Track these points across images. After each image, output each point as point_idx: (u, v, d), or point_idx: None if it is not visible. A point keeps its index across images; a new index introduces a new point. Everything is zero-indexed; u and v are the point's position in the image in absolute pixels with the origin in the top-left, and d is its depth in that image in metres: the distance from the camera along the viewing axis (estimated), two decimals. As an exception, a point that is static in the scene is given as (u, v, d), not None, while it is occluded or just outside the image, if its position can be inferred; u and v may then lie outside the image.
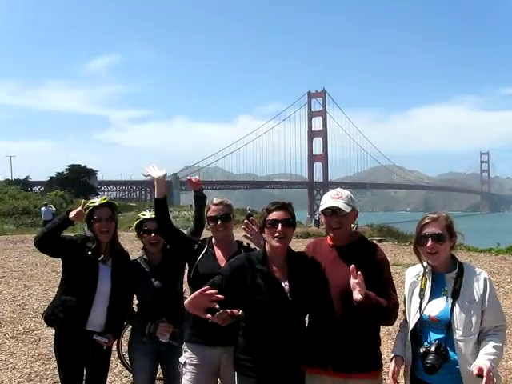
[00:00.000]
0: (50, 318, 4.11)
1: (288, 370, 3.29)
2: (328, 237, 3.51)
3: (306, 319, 3.50)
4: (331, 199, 3.38)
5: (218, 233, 3.81)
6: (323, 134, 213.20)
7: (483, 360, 2.94)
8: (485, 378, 2.84)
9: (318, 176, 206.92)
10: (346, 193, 3.43)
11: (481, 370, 2.87)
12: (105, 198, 4.16)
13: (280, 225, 3.29)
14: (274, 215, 3.33)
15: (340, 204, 3.33)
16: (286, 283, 3.30)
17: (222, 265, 3.68)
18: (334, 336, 3.25)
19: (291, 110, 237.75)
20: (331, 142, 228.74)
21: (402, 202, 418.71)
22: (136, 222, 4.25)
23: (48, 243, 3.96)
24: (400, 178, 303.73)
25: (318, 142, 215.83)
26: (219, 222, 3.77)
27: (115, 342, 4.71)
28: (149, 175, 3.87)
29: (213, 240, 3.88)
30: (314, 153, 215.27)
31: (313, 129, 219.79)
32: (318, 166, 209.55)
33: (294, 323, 3.31)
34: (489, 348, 3.00)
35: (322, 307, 3.30)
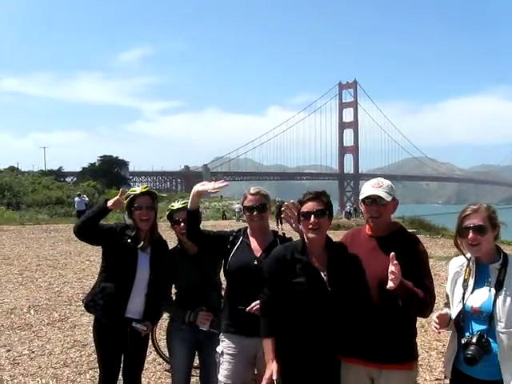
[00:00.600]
0: (89, 304, 4.16)
1: (325, 360, 3.29)
2: (367, 226, 3.47)
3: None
4: (372, 188, 3.33)
5: (253, 223, 3.79)
6: (354, 125, 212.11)
7: None
8: None
9: (348, 168, 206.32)
10: (387, 182, 3.38)
11: None
12: (145, 187, 4.19)
13: (313, 216, 3.27)
14: (306, 207, 3.31)
15: (381, 193, 3.28)
16: (325, 273, 3.29)
17: (258, 255, 3.69)
18: (371, 326, 3.23)
19: (322, 101, 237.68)
20: (362, 134, 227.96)
21: (434, 194, 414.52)
22: (167, 213, 4.30)
23: (87, 231, 4.01)
24: (432, 170, 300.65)
25: (348, 134, 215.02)
26: (255, 213, 3.74)
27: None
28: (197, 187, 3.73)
29: (248, 230, 3.86)
30: (344, 144, 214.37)
31: (343, 120, 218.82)
32: (348, 158, 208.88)
33: (332, 313, 3.29)
34: None
35: (360, 297, 3.28)
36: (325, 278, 3.27)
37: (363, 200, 3.35)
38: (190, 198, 3.72)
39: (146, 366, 5.87)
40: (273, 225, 29.85)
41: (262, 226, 3.82)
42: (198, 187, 3.69)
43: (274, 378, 3.19)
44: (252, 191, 3.80)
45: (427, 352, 6.44)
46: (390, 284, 3.00)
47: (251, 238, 3.80)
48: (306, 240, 3.36)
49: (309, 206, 3.31)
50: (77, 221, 4.22)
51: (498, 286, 3.03)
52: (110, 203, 3.96)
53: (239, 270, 3.67)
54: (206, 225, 23.57)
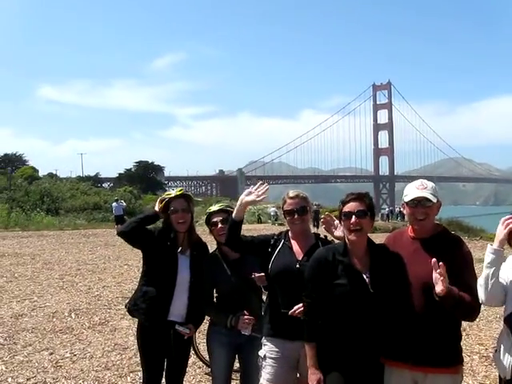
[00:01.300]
0: (132, 308, 4.20)
1: (368, 363, 3.27)
2: (409, 228, 3.44)
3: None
4: (416, 190, 3.29)
5: (294, 226, 3.76)
6: (389, 126, 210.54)
7: None
8: None
9: (383, 169, 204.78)
10: (431, 184, 3.35)
11: None
12: (180, 190, 4.22)
13: (354, 217, 3.26)
14: (348, 207, 3.31)
15: (427, 194, 3.25)
16: (367, 275, 3.27)
17: (300, 258, 3.67)
18: (416, 329, 3.19)
19: (356, 103, 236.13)
20: (397, 135, 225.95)
21: (472, 195, 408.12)
22: (205, 217, 4.32)
23: (134, 233, 4.08)
24: (468, 171, 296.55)
25: (383, 135, 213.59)
26: (296, 216, 3.71)
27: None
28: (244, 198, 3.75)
29: (289, 233, 3.84)
30: (379, 146, 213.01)
31: (378, 122, 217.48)
32: (383, 160, 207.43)
33: (375, 315, 3.27)
34: None
35: (404, 300, 3.24)
36: (367, 279, 3.26)
37: (408, 202, 3.31)
38: (237, 207, 3.73)
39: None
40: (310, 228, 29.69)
41: (304, 229, 3.80)
42: (245, 198, 3.71)
43: None
44: (291, 194, 3.78)
45: (469, 356, 6.37)
46: (439, 289, 2.96)
47: (293, 241, 3.78)
48: (347, 242, 3.35)
49: (350, 206, 3.30)
50: (124, 223, 4.29)
51: None
52: (158, 207, 4.11)
53: (281, 274, 3.66)
54: (242, 229, 23.58)
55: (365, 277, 3.27)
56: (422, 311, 3.19)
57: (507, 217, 2.99)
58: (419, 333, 3.19)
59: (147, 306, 4.09)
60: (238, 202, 3.72)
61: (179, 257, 4.13)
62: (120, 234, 4.18)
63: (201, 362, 6.08)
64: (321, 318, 3.32)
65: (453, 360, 3.24)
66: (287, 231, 3.86)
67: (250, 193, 3.74)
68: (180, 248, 4.15)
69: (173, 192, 4.22)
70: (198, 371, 6.13)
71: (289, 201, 3.76)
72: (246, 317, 3.93)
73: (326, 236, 3.92)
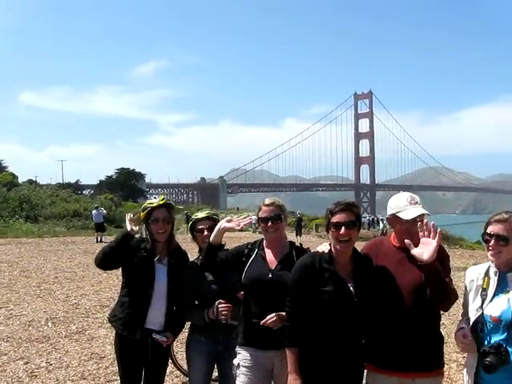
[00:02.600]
0: (112, 319, 4.19)
1: (349, 370, 3.30)
2: (391, 237, 3.51)
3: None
4: (411, 206, 3.35)
5: (268, 234, 3.72)
6: (370, 135, 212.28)
7: None
8: None
9: (364, 178, 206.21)
10: (417, 196, 3.42)
11: None
12: (162, 199, 4.16)
13: (343, 228, 3.26)
14: (337, 217, 3.30)
15: (424, 210, 3.33)
16: (352, 284, 3.29)
17: (273, 267, 3.64)
18: (404, 337, 3.27)
19: (337, 112, 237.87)
20: (378, 144, 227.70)
21: (451, 204, 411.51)
22: (190, 224, 4.29)
23: (110, 262, 4.10)
24: (448, 180, 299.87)
25: (364, 144, 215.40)
26: (270, 224, 3.66)
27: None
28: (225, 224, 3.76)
29: (264, 242, 3.80)
30: (360, 155, 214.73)
31: (359, 131, 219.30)
32: (364, 168, 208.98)
33: (358, 324, 3.31)
34: None
35: (390, 308, 3.30)
36: (351, 288, 3.28)
37: (407, 220, 3.31)
38: (215, 232, 3.73)
39: (163, 378, 5.89)
40: (292, 236, 30.00)
41: (278, 238, 3.75)
42: (224, 224, 3.71)
43: None
44: (266, 202, 3.75)
45: (447, 364, 6.27)
46: (427, 255, 3.07)
47: (267, 250, 3.74)
48: (333, 250, 3.36)
49: (340, 217, 3.29)
50: (98, 252, 4.16)
51: None
52: (129, 228, 4.02)
53: (254, 283, 3.63)
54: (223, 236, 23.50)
55: (349, 285, 3.28)
56: (410, 318, 3.27)
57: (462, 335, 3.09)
58: (408, 340, 3.27)
59: (125, 315, 4.07)
60: (217, 228, 3.72)
61: (156, 265, 4.10)
62: (98, 266, 4.16)
63: (178, 372, 6.01)
64: (303, 324, 3.31)
65: (438, 363, 3.38)
66: (262, 240, 3.83)
67: (230, 220, 3.75)
68: (157, 256, 4.11)
69: (155, 201, 4.16)
70: (175, 380, 6.08)
71: (264, 208, 3.72)
72: (223, 305, 3.88)
73: (301, 244, 3.91)
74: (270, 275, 3.61)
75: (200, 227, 4.15)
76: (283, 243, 3.79)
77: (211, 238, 3.71)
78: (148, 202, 4.21)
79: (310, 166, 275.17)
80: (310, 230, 41.60)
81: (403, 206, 3.36)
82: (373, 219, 53.01)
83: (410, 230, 3.30)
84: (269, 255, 3.72)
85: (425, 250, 3.10)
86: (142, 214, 4.11)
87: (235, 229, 3.72)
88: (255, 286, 3.63)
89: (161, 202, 4.11)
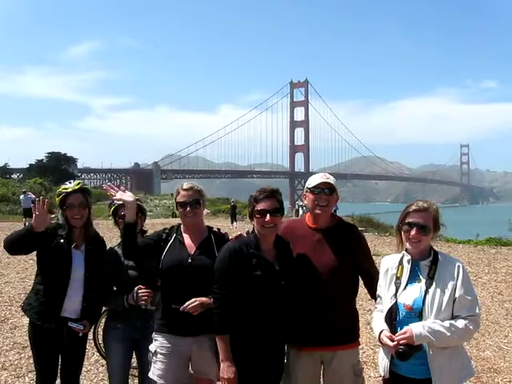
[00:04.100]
0: (26, 308, 4.05)
1: (275, 351, 3.42)
2: (306, 218, 3.66)
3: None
4: (320, 178, 3.53)
5: (187, 219, 3.68)
6: (305, 124, 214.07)
7: (419, 326, 2.96)
8: (399, 336, 2.97)
9: (299, 166, 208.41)
10: (332, 177, 3.59)
11: (406, 331, 2.96)
12: (78, 183, 4.03)
13: (268, 215, 3.34)
14: (261, 205, 3.38)
15: (331, 181, 3.51)
16: (276, 267, 3.38)
17: (192, 252, 3.62)
18: (322, 314, 3.44)
19: (273, 100, 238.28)
20: (313, 133, 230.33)
21: (383, 193, 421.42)
22: (112, 209, 4.17)
23: (18, 250, 3.96)
24: (381, 169, 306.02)
25: (299, 132, 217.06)
26: (188, 208, 3.63)
27: (92, 330, 4.62)
28: (120, 200, 3.72)
29: (182, 227, 3.77)
30: (295, 143, 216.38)
31: (295, 119, 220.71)
32: (299, 156, 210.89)
33: (284, 305, 3.39)
34: (442, 323, 2.97)
35: (309, 288, 3.46)
36: (277, 271, 3.37)
37: (312, 188, 3.53)
38: (128, 211, 3.64)
39: (88, 367, 5.79)
40: (227, 222, 30.06)
41: (196, 223, 3.73)
42: (125, 197, 3.67)
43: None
44: (185, 186, 3.71)
45: (372, 349, 6.30)
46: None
47: (185, 235, 3.72)
48: (258, 235, 3.43)
49: (264, 205, 3.38)
50: (7, 237, 3.95)
51: (429, 283, 3.08)
52: (34, 225, 3.79)
53: (172, 269, 3.59)
54: (156, 223, 23.32)
55: (276, 268, 3.36)
56: (329, 297, 3.44)
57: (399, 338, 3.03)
58: (327, 317, 3.45)
59: (39, 303, 3.95)
60: (126, 206, 3.65)
61: (73, 252, 3.97)
62: (6, 250, 3.97)
63: (104, 360, 5.87)
64: (232, 311, 3.33)
65: (354, 336, 3.64)
66: (179, 225, 3.79)
67: (121, 194, 3.71)
68: (74, 243, 3.98)
69: (70, 186, 4.00)
70: (100, 369, 5.96)
71: (182, 192, 3.68)
72: (143, 290, 3.84)
73: (219, 229, 3.90)
74: (189, 260, 3.59)
75: (122, 213, 4.03)
76: (201, 228, 3.78)
77: (126, 218, 3.63)
78: (63, 187, 4.03)
79: (246, 153, 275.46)
80: (244, 216, 41.70)
81: (315, 179, 3.56)
82: (305, 206, 53.70)
83: (316, 200, 3.51)
84: (187, 240, 3.69)
85: None
86: (57, 199, 3.97)
87: (131, 200, 3.64)
88: (174, 271, 3.59)
89: (76, 187, 3.97)
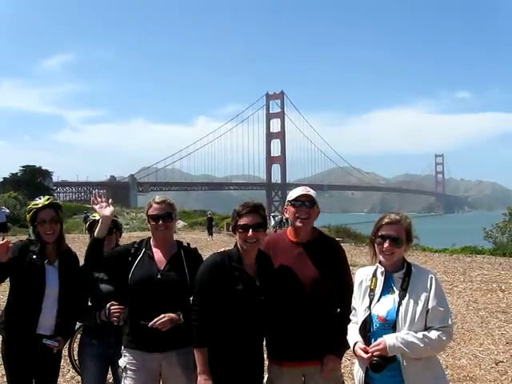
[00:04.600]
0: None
1: (254, 365, 3.40)
2: (287, 233, 3.67)
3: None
4: (301, 191, 3.58)
5: (158, 232, 3.65)
6: (281, 135, 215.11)
7: (392, 337, 2.97)
8: (373, 347, 2.97)
9: (276, 177, 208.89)
10: (311, 190, 3.62)
11: (380, 343, 2.96)
12: (48, 199, 3.99)
13: (251, 230, 3.34)
14: (244, 220, 3.37)
15: (312, 193, 3.53)
16: (257, 282, 3.38)
17: (162, 268, 3.58)
18: (305, 328, 3.44)
19: (249, 112, 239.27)
20: (289, 144, 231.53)
21: (360, 203, 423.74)
22: (87, 224, 4.15)
23: None
24: (357, 180, 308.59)
25: (276, 144, 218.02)
26: (160, 222, 3.60)
27: (67, 346, 4.57)
28: (99, 211, 3.66)
29: (151, 241, 3.72)
30: (272, 154, 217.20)
31: (271, 130, 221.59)
32: (276, 168, 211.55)
33: (263, 321, 3.40)
34: (415, 334, 2.98)
35: (292, 303, 3.45)
36: (258, 286, 3.37)
37: (292, 201, 3.55)
38: (99, 225, 3.60)
39: (63, 384, 5.66)
40: (204, 235, 29.88)
41: (167, 237, 3.71)
42: (104, 213, 3.62)
43: None
44: (157, 200, 3.69)
45: (349, 360, 6.36)
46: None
47: (155, 250, 3.68)
48: (240, 249, 3.42)
49: (247, 220, 3.37)
50: None
51: (402, 295, 3.09)
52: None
53: (141, 284, 3.56)
54: (132, 236, 23.08)
55: (257, 283, 3.36)
56: (311, 311, 3.45)
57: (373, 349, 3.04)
58: (310, 331, 3.44)
59: (13, 321, 3.88)
60: (101, 220, 3.60)
61: (47, 268, 3.92)
62: None
63: (79, 377, 5.80)
64: (212, 324, 3.32)
65: (338, 347, 3.52)
66: (149, 239, 3.75)
67: (102, 207, 3.66)
68: (47, 259, 3.93)
69: (40, 201, 3.96)
70: (76, 386, 5.84)
71: (155, 205, 3.67)
72: (115, 306, 3.81)
73: (188, 244, 3.87)
74: (158, 275, 3.56)
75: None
76: (171, 243, 3.75)
77: (96, 232, 3.59)
78: (33, 203, 3.99)
79: (222, 165, 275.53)
80: (221, 228, 41.63)
81: (296, 192, 3.59)
82: (282, 218, 53.72)
83: (297, 213, 3.52)
84: (157, 255, 3.66)
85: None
86: (27, 215, 3.93)
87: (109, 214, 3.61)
88: (143, 286, 3.56)
89: (46, 203, 3.93)
